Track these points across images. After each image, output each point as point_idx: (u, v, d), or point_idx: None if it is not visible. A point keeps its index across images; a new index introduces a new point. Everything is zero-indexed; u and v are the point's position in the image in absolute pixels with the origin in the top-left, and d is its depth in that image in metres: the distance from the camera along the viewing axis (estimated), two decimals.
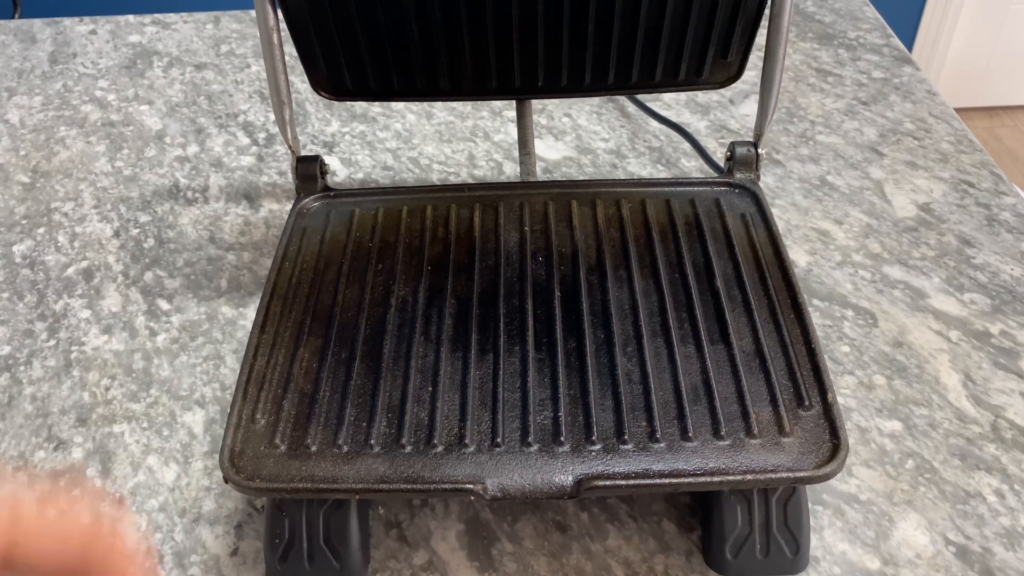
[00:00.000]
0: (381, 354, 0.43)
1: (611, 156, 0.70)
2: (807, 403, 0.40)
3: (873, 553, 0.43)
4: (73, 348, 0.55)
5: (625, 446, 0.38)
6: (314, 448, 0.39)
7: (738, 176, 0.53)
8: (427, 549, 0.44)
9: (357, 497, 0.39)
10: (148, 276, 0.60)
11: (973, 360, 0.52)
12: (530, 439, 0.39)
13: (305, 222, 0.52)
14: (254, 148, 0.72)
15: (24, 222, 0.65)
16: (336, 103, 0.76)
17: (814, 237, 0.61)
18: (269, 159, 0.70)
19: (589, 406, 0.40)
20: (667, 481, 0.37)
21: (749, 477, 0.37)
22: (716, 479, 0.37)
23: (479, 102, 0.75)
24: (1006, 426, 0.49)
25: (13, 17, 1.05)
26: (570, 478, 0.37)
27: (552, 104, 0.75)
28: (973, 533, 0.44)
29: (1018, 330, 0.54)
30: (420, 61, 0.51)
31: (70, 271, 0.61)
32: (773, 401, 0.40)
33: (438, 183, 0.67)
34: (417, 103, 0.75)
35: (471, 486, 0.37)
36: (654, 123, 0.72)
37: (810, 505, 0.43)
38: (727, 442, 0.38)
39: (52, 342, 0.55)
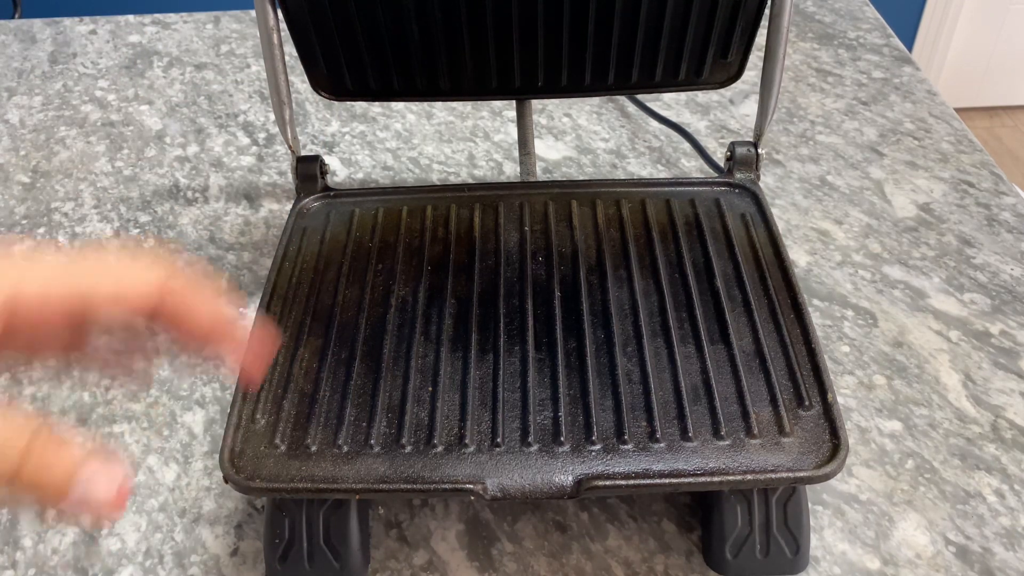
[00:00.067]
0: (381, 354, 0.43)
1: (611, 156, 0.70)
2: (807, 403, 0.40)
3: (873, 553, 0.43)
4: None
5: (625, 446, 0.38)
6: (314, 448, 0.39)
7: (738, 176, 0.53)
8: (427, 549, 0.44)
9: (357, 497, 0.39)
10: None
11: (973, 360, 0.52)
12: (530, 439, 0.39)
13: (305, 222, 0.52)
14: (254, 148, 0.72)
15: (24, 222, 0.65)
16: (336, 103, 0.76)
17: (814, 237, 0.61)
18: (269, 159, 0.70)
19: (589, 406, 0.40)
20: (667, 481, 0.37)
21: (749, 477, 0.37)
22: (716, 479, 0.37)
23: (479, 102, 0.75)
24: (1006, 426, 0.49)
25: (13, 17, 1.05)
26: (570, 478, 0.37)
27: (552, 104, 0.75)
28: (973, 533, 0.44)
29: (1018, 330, 0.54)
30: (420, 61, 0.51)
31: None
32: (773, 401, 0.40)
33: (438, 183, 0.67)
34: (417, 103, 0.75)
35: (471, 486, 0.37)
36: (654, 123, 0.72)
37: (810, 505, 0.43)
38: (727, 442, 0.38)
39: None
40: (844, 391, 0.51)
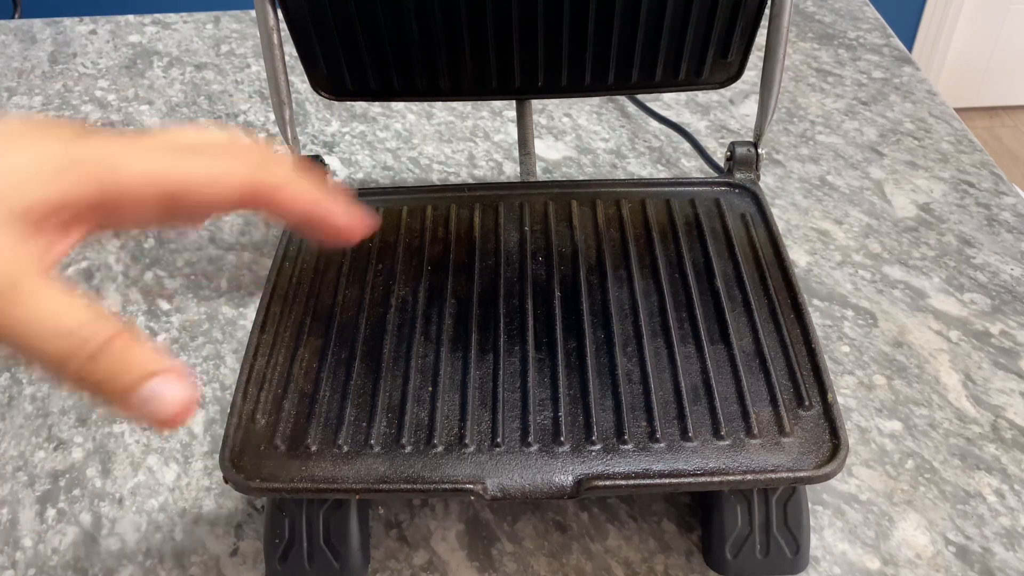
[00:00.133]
0: (381, 354, 0.43)
1: (611, 156, 0.70)
2: (807, 403, 0.40)
3: (873, 553, 0.43)
4: None
5: (625, 446, 0.38)
6: (314, 448, 0.39)
7: (738, 176, 0.53)
8: (427, 549, 0.44)
9: (357, 497, 0.39)
10: (148, 276, 0.60)
11: (973, 360, 0.52)
12: (530, 439, 0.39)
13: None
14: None
15: None
16: (336, 103, 0.76)
17: (814, 237, 0.61)
18: None
19: (589, 406, 0.40)
20: (667, 481, 0.37)
21: (749, 477, 0.37)
22: (716, 479, 0.37)
23: (479, 102, 0.75)
24: (1006, 426, 0.49)
25: (13, 17, 1.05)
26: (570, 478, 0.37)
27: (552, 104, 0.75)
28: (973, 533, 0.44)
29: (1018, 330, 0.54)
30: (420, 61, 0.51)
31: (70, 271, 0.61)
32: (773, 401, 0.40)
33: (438, 183, 0.67)
34: (417, 103, 0.75)
35: (471, 486, 0.37)
36: (654, 123, 0.72)
37: (810, 505, 0.43)
38: (727, 442, 0.38)
39: None
40: (844, 391, 0.51)
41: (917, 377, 0.52)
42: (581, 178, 0.67)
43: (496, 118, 0.74)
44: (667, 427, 0.39)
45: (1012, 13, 2.15)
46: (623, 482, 0.37)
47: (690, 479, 0.37)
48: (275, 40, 0.50)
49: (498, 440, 0.39)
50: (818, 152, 0.69)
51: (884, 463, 0.47)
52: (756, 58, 0.56)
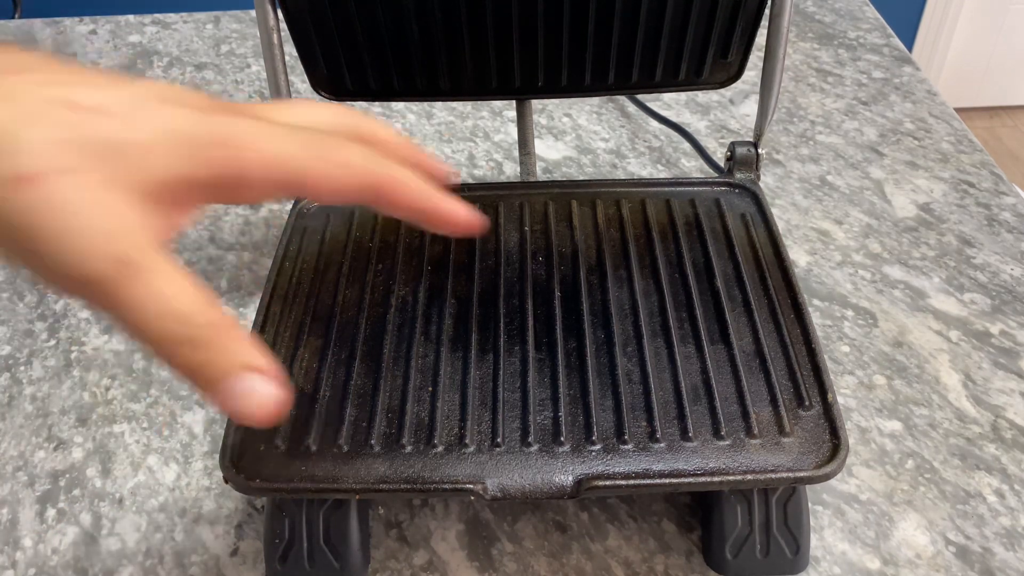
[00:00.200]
0: (381, 354, 0.43)
1: (611, 156, 0.70)
2: (807, 403, 0.40)
3: (873, 553, 0.43)
4: (73, 348, 0.55)
5: (625, 446, 0.38)
6: (314, 448, 0.39)
7: (738, 176, 0.53)
8: (427, 549, 0.44)
9: (357, 497, 0.39)
10: None
11: (973, 360, 0.52)
12: (530, 439, 0.39)
13: (305, 222, 0.52)
14: None
15: None
16: (336, 103, 0.76)
17: (814, 237, 0.61)
18: None
19: (589, 406, 0.40)
20: (667, 481, 0.37)
21: (749, 477, 0.37)
22: (716, 479, 0.37)
23: (479, 102, 0.75)
24: (1006, 426, 0.49)
25: (13, 17, 1.05)
26: (570, 478, 0.37)
27: (552, 104, 0.75)
28: (973, 533, 0.44)
29: (1018, 330, 0.54)
30: (420, 61, 0.51)
31: None
32: (773, 401, 0.40)
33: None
34: (417, 103, 0.75)
35: (471, 486, 0.37)
36: (654, 123, 0.72)
37: (810, 505, 0.43)
38: (727, 442, 0.38)
39: (52, 342, 0.55)
40: (844, 391, 0.51)
41: (917, 377, 0.52)
42: (581, 178, 0.67)
43: (496, 118, 0.74)
44: (667, 427, 0.39)
45: (1012, 13, 2.15)
46: (623, 482, 0.37)
47: (690, 479, 0.37)
48: (275, 40, 0.50)
49: (498, 440, 0.39)
50: (818, 152, 0.69)
51: (884, 463, 0.47)
52: (756, 58, 0.56)
